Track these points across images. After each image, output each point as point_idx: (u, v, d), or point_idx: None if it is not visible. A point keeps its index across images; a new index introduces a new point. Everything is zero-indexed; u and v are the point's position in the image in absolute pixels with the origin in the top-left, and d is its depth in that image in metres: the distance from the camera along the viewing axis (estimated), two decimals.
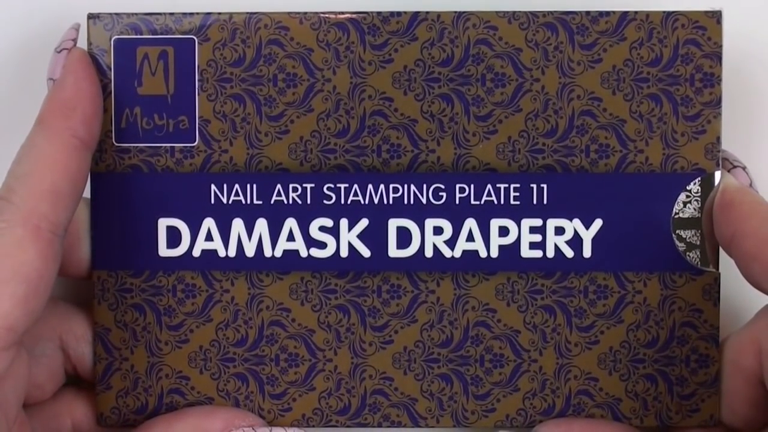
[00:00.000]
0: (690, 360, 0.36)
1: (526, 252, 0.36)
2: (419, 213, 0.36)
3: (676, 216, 0.36)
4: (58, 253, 0.33)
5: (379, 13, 0.36)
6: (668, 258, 0.36)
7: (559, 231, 0.36)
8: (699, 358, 0.36)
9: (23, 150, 0.34)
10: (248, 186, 0.36)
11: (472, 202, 0.36)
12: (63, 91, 0.35)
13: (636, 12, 0.36)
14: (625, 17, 0.36)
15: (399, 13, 0.36)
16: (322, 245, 0.36)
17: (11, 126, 0.38)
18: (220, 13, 0.36)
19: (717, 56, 0.36)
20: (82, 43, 0.36)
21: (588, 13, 0.36)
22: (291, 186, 0.36)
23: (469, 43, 0.36)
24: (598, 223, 0.36)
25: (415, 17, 0.36)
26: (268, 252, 0.36)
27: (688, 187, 0.36)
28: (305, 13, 0.36)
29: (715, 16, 0.36)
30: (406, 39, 0.36)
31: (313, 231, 0.36)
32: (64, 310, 0.37)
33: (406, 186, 0.36)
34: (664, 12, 0.36)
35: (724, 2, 0.36)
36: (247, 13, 0.36)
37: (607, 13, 0.36)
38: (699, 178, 0.36)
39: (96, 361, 0.37)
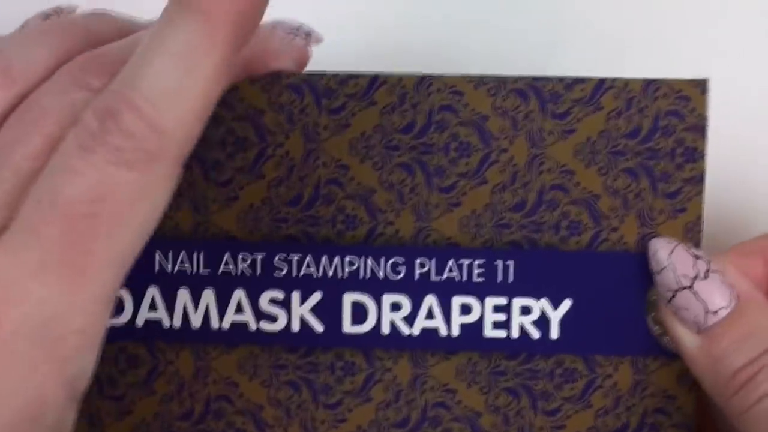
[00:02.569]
0: None
1: (489, 331, 0.34)
2: (376, 288, 0.34)
3: (652, 298, 0.34)
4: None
5: (335, 74, 0.33)
6: (641, 342, 0.34)
7: (525, 311, 0.34)
8: None
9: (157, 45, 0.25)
10: (195, 254, 0.34)
11: (433, 277, 0.34)
12: None
13: (614, 79, 0.33)
14: (601, 85, 0.33)
15: (357, 76, 0.33)
16: (273, 318, 0.34)
17: None
18: None
19: (701, 129, 0.33)
20: None
21: (561, 79, 0.33)
22: (240, 256, 0.34)
23: (432, 109, 0.33)
24: (567, 304, 0.34)
25: (375, 80, 0.33)
26: (215, 324, 0.34)
27: None
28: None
29: (700, 86, 0.33)
30: (364, 103, 0.33)
31: (263, 303, 0.34)
32: None
33: (362, 259, 0.34)
34: (644, 80, 0.33)
35: (711, 71, 0.33)
36: None
37: (583, 80, 0.33)
38: None
39: None
